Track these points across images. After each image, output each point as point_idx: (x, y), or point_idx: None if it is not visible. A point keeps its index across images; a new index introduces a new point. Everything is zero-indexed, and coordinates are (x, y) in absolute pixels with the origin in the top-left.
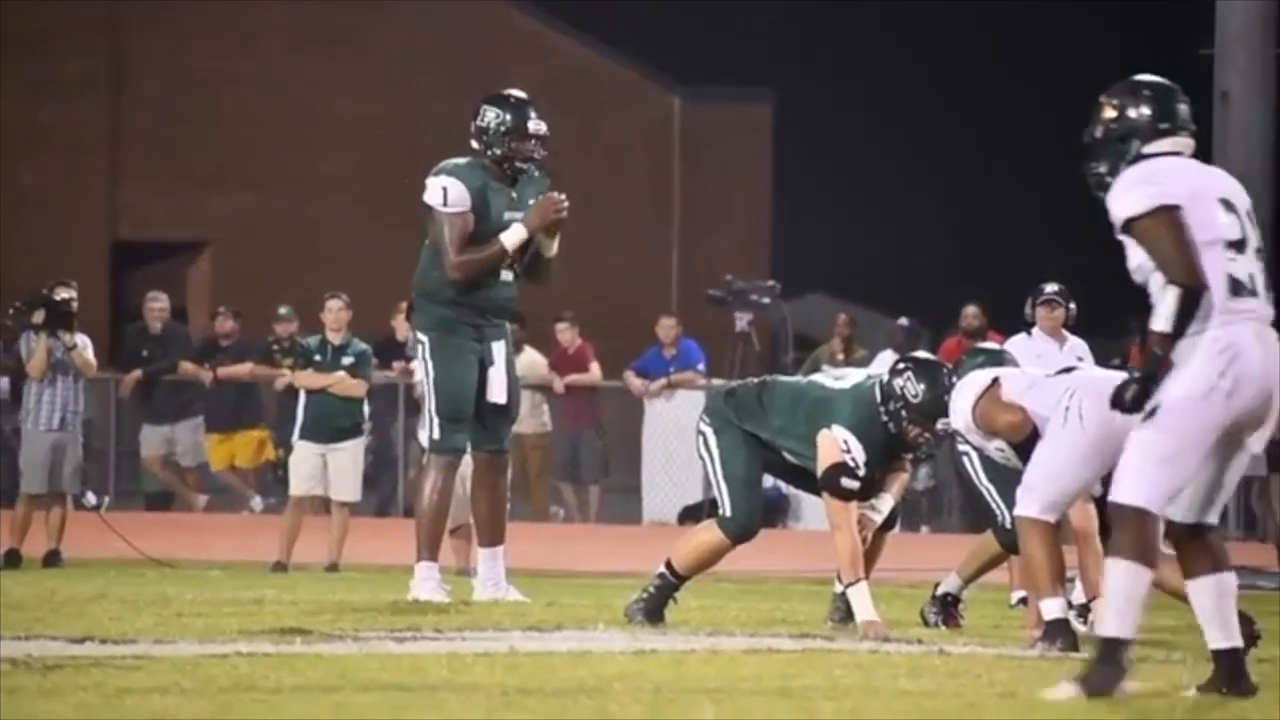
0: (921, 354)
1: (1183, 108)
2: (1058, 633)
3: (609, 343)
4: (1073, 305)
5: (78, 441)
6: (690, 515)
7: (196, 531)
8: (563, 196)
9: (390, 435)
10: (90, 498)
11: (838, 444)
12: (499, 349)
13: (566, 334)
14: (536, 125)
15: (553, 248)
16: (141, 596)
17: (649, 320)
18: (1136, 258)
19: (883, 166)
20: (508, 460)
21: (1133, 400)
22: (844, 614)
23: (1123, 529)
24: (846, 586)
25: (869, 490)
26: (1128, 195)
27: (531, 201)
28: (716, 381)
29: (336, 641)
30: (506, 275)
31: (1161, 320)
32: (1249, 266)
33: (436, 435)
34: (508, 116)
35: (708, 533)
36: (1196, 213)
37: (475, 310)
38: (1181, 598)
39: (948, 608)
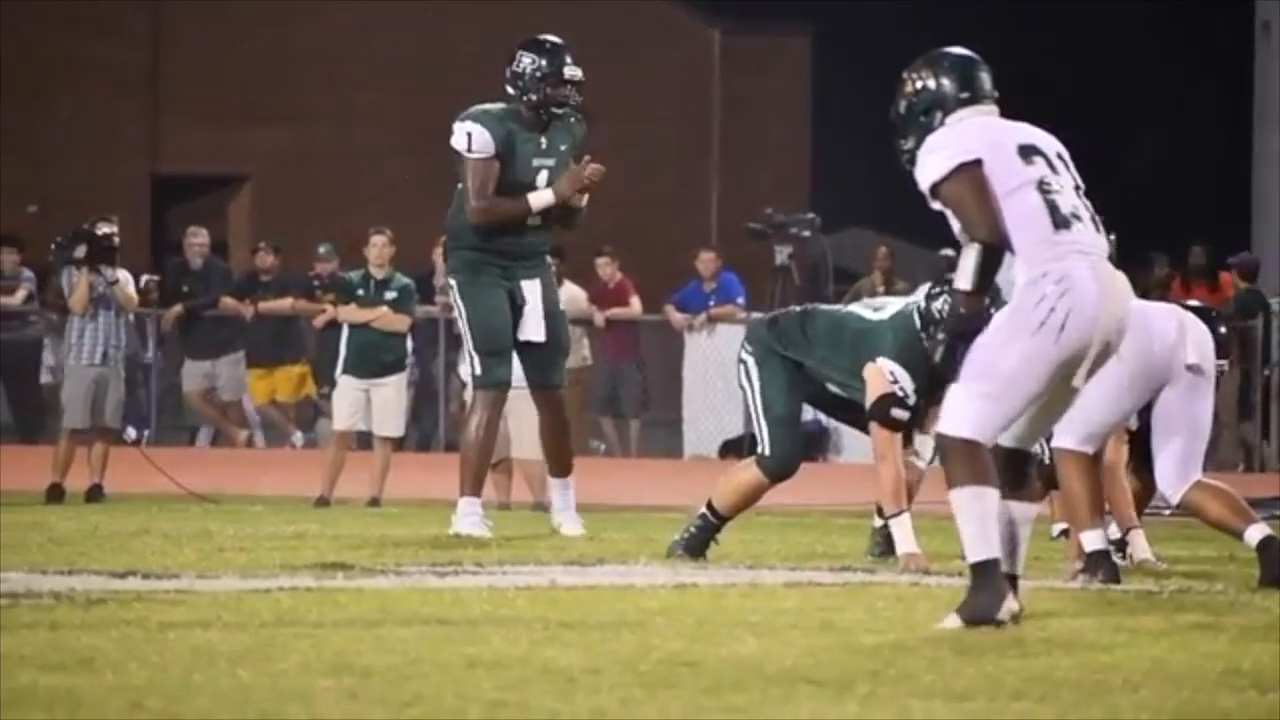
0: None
1: (984, 76)
2: (1098, 565)
3: (649, 277)
4: (1113, 236)
5: (119, 376)
6: (731, 449)
7: (238, 466)
8: (598, 167)
9: (432, 370)
10: (130, 433)
11: (885, 375)
12: (532, 287)
13: (607, 268)
14: (572, 71)
15: (583, 201)
16: (183, 531)
17: (689, 254)
18: (955, 224)
19: None
20: (560, 394)
21: (941, 361)
22: (884, 547)
23: (952, 459)
24: (888, 519)
25: (916, 421)
26: (926, 161)
27: (563, 147)
28: (756, 315)
29: (378, 576)
30: (534, 220)
31: (963, 278)
32: (1070, 202)
33: (478, 371)
34: (543, 62)
35: (747, 472)
36: (997, 163)
37: (503, 254)
38: (1222, 528)
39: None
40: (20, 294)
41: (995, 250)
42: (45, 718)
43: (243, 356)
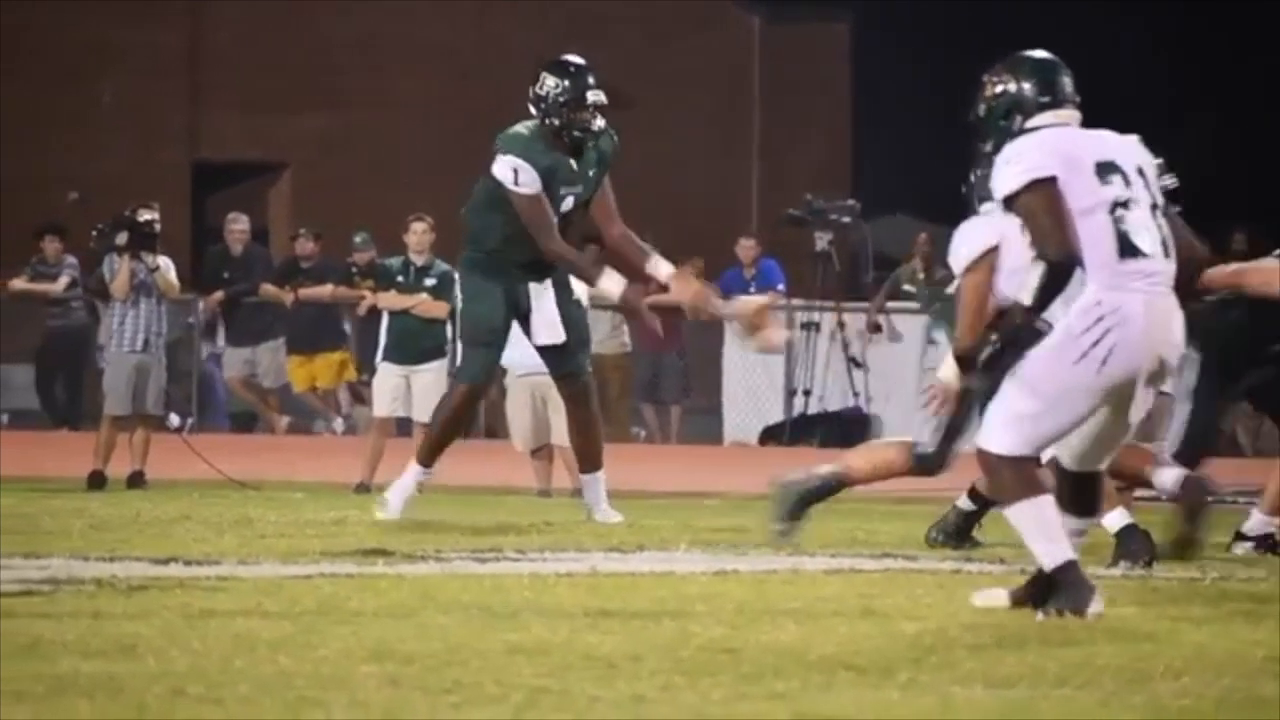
0: None
1: (1065, 80)
2: (1132, 541)
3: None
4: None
5: (161, 363)
6: (771, 436)
7: (278, 453)
8: (648, 312)
9: None
10: (173, 419)
11: None
12: (540, 291)
13: None
14: (595, 95)
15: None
16: (225, 518)
17: (729, 240)
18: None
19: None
20: (586, 385)
21: (984, 365)
22: (946, 534)
23: (996, 477)
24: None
25: None
26: (1002, 173)
27: (592, 172)
28: (796, 302)
29: (419, 562)
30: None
31: (1026, 294)
32: (1142, 225)
33: (458, 363)
34: (566, 84)
35: (897, 454)
36: (1073, 181)
37: (514, 261)
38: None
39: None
40: (63, 281)
41: (1063, 269)
42: (87, 704)
43: (283, 343)
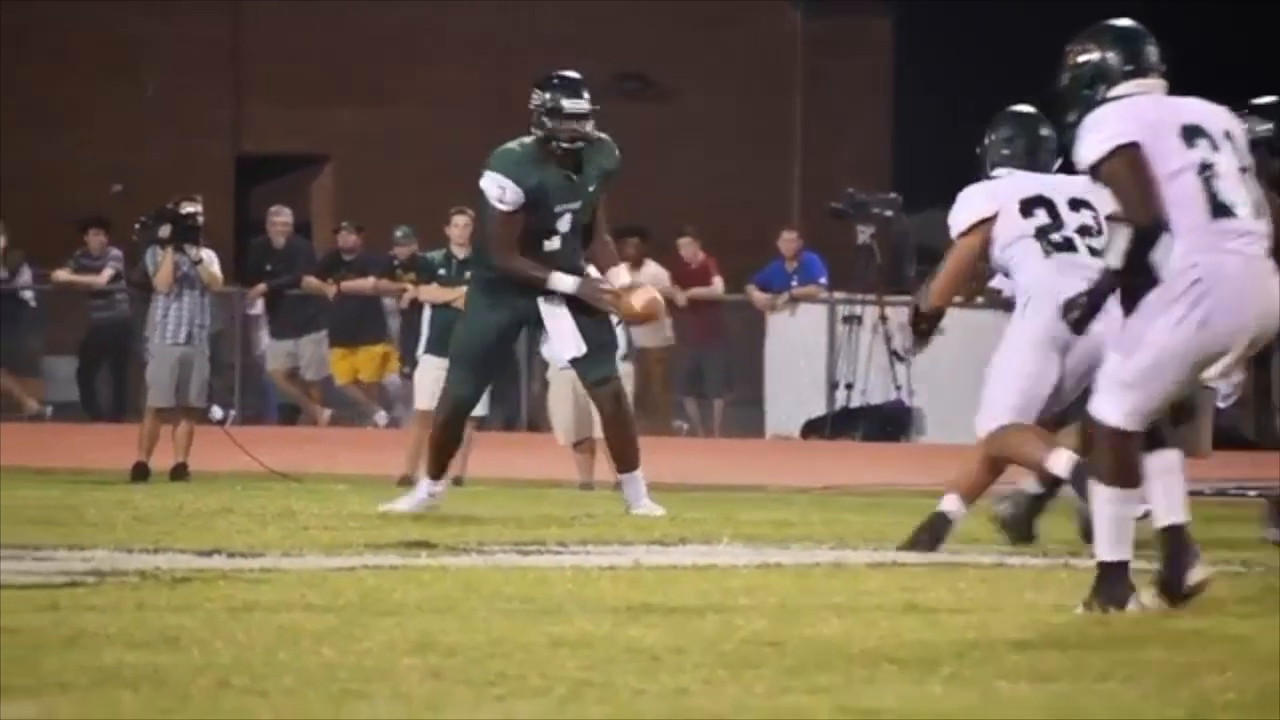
0: None
1: (1150, 49)
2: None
3: (731, 256)
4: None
5: (204, 356)
6: (813, 429)
7: (320, 446)
8: (609, 288)
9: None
10: (216, 412)
11: None
12: (551, 308)
13: (689, 248)
14: (574, 105)
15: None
16: (268, 510)
17: (771, 233)
18: (1114, 202)
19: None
20: (615, 390)
21: (1075, 323)
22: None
23: (1099, 450)
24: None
25: None
26: (1086, 141)
27: (592, 188)
28: (838, 295)
29: (462, 555)
30: (552, 244)
31: (1114, 256)
32: (1233, 186)
33: (446, 380)
34: (546, 97)
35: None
36: (1157, 145)
37: (510, 284)
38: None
39: None
40: (107, 274)
41: (1150, 234)
42: (131, 695)
43: (325, 336)
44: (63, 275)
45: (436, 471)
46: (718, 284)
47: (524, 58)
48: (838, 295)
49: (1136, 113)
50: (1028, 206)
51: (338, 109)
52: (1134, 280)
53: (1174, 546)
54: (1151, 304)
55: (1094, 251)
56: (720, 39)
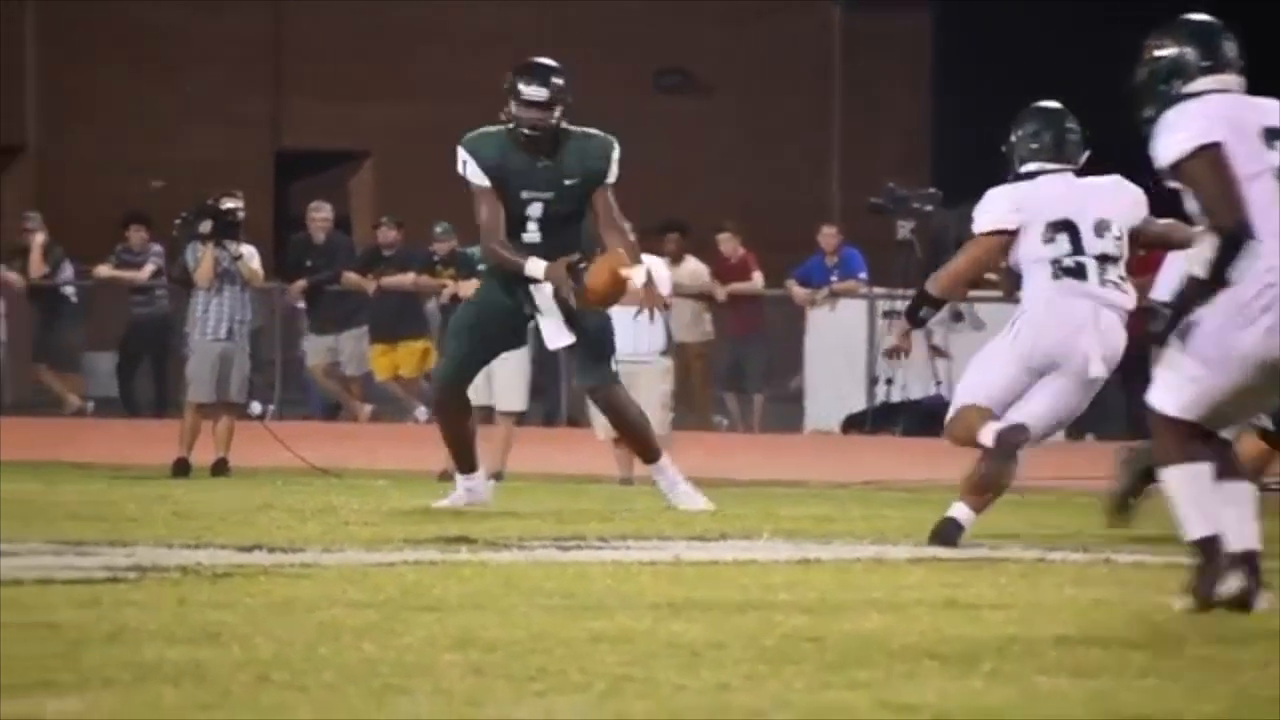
0: None
1: (1228, 45)
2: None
3: (771, 251)
4: None
5: (245, 351)
6: (853, 424)
7: (360, 441)
8: (569, 284)
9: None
10: (255, 407)
11: None
12: (542, 295)
13: (728, 244)
14: (532, 92)
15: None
16: (308, 506)
17: (811, 228)
18: (1192, 202)
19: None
20: (614, 393)
21: (1156, 335)
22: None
23: (1158, 435)
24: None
25: None
26: (1166, 139)
27: (569, 181)
28: (878, 290)
29: (502, 550)
30: (530, 235)
31: (1199, 265)
32: None
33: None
34: (510, 80)
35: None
36: (1239, 147)
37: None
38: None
39: None
40: (148, 269)
41: (1237, 237)
42: (172, 690)
43: (366, 331)
44: (104, 271)
45: (464, 465)
46: (757, 279)
47: (565, 54)
48: (877, 290)
49: (1218, 111)
50: (1052, 230)
51: (378, 104)
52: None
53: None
54: (1222, 306)
55: (1105, 280)
56: (760, 35)
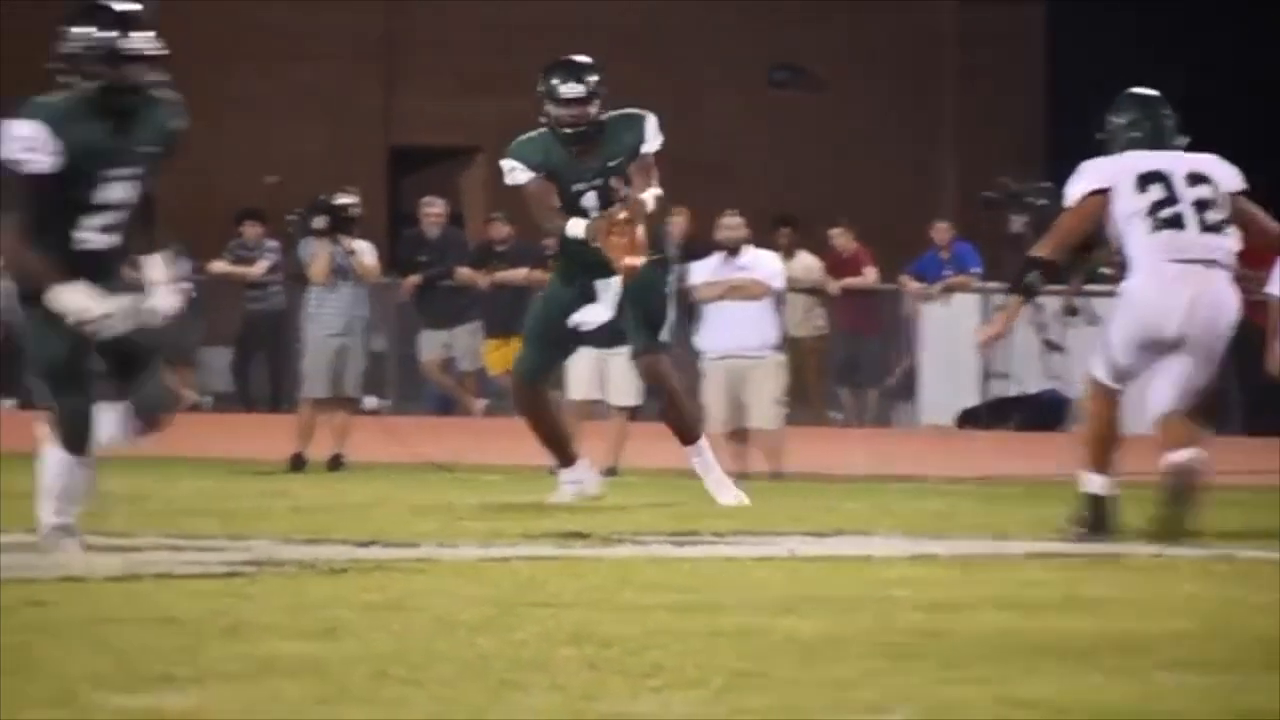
0: None
1: None
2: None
3: (884, 246)
4: None
5: (360, 347)
6: (969, 419)
7: (473, 436)
8: (620, 215)
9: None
10: (369, 402)
11: None
12: (604, 285)
13: (841, 239)
14: (569, 90)
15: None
16: (423, 500)
17: (924, 223)
18: None
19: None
20: (655, 359)
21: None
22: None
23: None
24: None
25: None
26: None
27: (611, 163)
28: (992, 285)
29: (617, 545)
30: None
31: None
32: None
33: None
34: (546, 82)
35: None
36: None
37: (580, 264)
38: None
39: None
40: (262, 265)
41: None
42: (291, 685)
43: (479, 326)
44: (219, 266)
45: (562, 459)
46: (870, 274)
47: (677, 50)
48: (992, 285)
49: None
50: (1144, 181)
51: (489, 100)
52: None
53: None
54: None
55: (1207, 226)
56: (873, 29)
